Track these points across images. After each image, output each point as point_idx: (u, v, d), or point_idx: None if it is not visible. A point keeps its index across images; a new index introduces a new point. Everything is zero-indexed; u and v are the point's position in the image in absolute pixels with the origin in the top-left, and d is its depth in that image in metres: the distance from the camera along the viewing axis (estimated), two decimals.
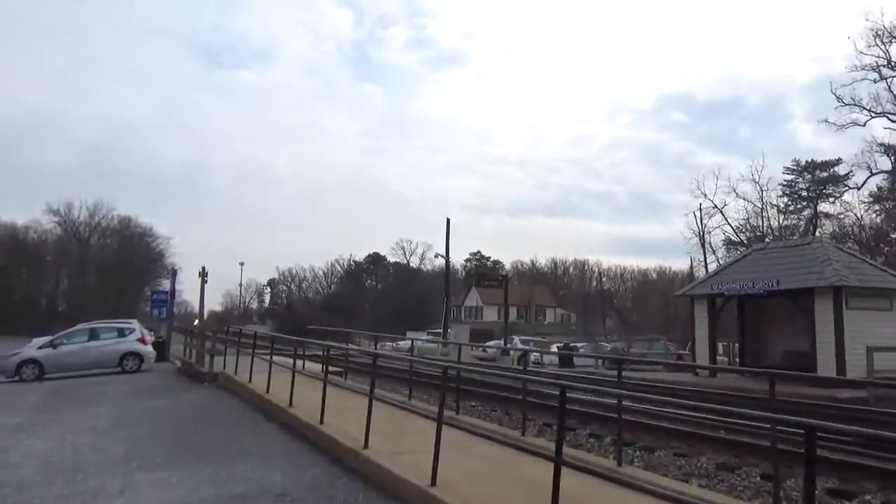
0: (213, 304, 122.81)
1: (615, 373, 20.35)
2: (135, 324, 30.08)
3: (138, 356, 22.18)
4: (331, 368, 17.22)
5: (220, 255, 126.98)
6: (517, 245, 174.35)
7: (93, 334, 22.28)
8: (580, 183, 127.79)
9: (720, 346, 27.50)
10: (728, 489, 7.39)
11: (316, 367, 15.98)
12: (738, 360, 23.35)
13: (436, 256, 64.17)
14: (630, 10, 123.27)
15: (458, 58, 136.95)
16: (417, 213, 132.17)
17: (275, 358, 13.21)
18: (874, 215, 48.03)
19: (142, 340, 22.73)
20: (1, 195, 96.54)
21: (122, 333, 22.68)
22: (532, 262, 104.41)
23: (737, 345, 23.76)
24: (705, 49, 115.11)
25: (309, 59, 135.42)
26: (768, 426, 6.77)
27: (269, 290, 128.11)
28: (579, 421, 11.20)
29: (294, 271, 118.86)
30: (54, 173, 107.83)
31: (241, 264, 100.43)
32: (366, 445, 7.53)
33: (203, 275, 20.15)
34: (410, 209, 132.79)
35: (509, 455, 6.39)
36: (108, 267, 77.07)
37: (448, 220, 46.89)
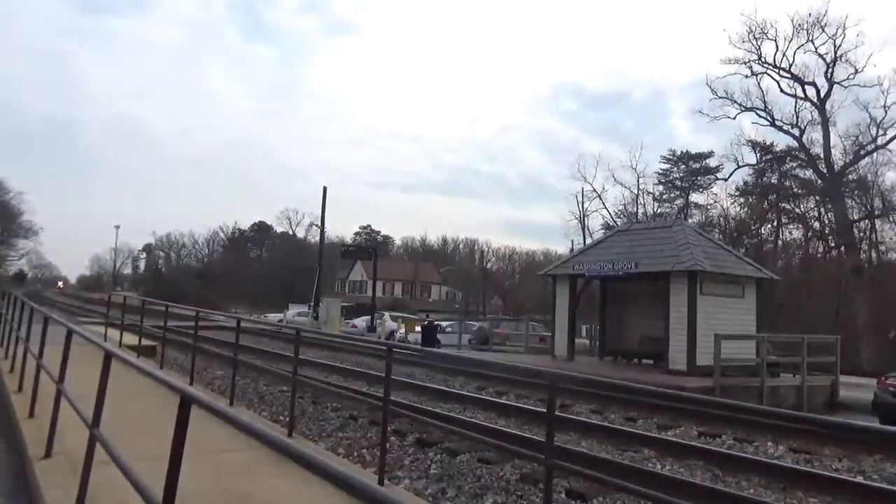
0: (81, 268, 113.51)
1: (477, 354, 19.03)
2: None
3: None
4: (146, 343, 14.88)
5: (90, 217, 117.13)
6: (409, 221, 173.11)
7: None
8: (474, 163, 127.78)
9: (583, 328, 27.14)
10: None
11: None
12: (597, 343, 22.82)
13: (310, 226, 61.32)
14: None
15: (353, 27, 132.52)
16: (307, 183, 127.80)
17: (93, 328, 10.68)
18: (738, 208, 50.21)
19: None
20: None
21: None
22: (422, 238, 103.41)
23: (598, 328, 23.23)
24: (597, 43, 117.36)
25: (191, 14, 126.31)
26: None
27: (144, 255, 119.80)
28: None
29: (173, 237, 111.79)
30: None
31: (117, 227, 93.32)
32: (47, 453, 5.49)
33: None
34: (300, 179, 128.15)
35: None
36: None
37: (325, 189, 44.50)
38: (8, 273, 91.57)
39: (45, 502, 4.59)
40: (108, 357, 4.07)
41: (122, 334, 14.22)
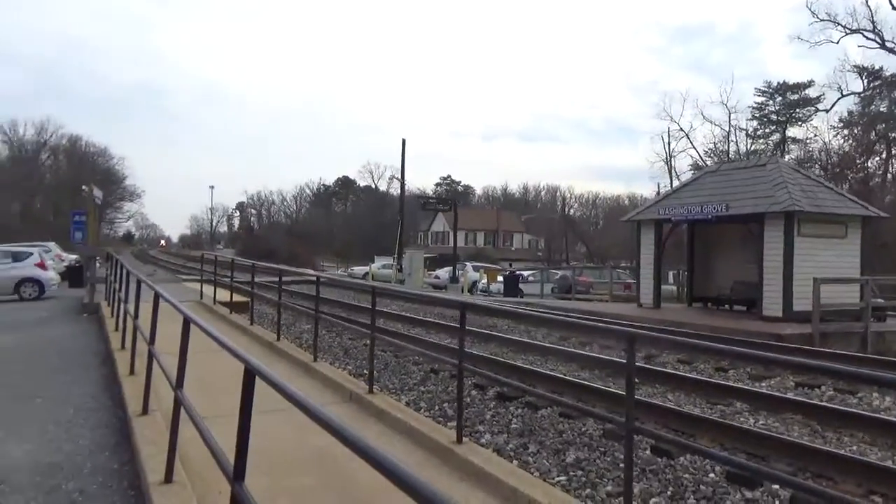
0: (181, 227, 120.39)
1: (560, 302, 18.74)
2: (49, 246, 27.97)
3: (37, 283, 20.26)
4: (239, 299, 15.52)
5: (187, 178, 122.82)
6: (490, 171, 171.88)
7: None
8: (554, 108, 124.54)
9: (670, 274, 26.26)
10: None
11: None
12: (685, 289, 22.04)
13: (391, 179, 61.89)
14: None
15: None
16: (388, 137, 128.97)
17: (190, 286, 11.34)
18: (842, 141, 46.59)
19: (40, 265, 20.69)
20: None
21: (17, 258, 20.62)
22: (503, 186, 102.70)
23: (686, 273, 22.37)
24: None
25: None
26: None
27: (237, 213, 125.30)
28: None
29: (263, 195, 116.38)
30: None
31: (212, 187, 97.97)
32: (144, 410, 5.82)
33: (90, 194, 17.90)
34: (380, 133, 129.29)
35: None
36: (60, 188, 73.39)
37: (403, 141, 44.40)
38: (117, 234, 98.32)
39: (140, 457, 4.85)
40: (187, 323, 4.19)
41: (215, 291, 14.91)
